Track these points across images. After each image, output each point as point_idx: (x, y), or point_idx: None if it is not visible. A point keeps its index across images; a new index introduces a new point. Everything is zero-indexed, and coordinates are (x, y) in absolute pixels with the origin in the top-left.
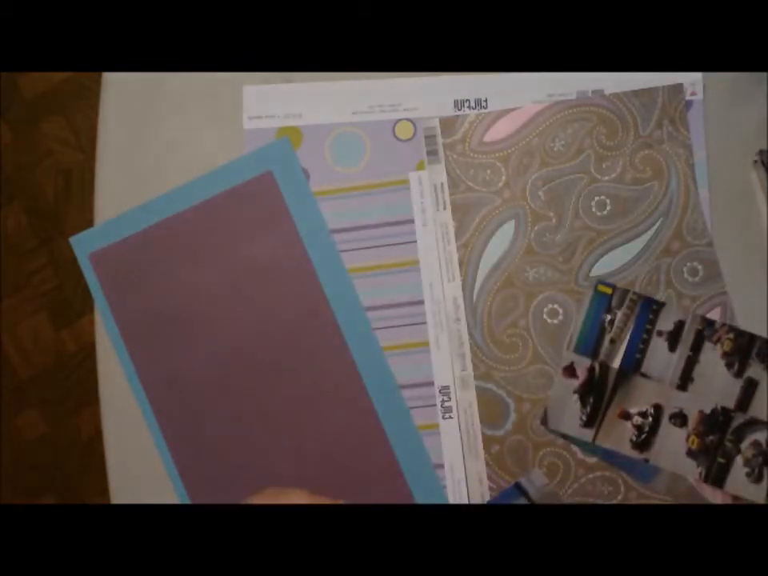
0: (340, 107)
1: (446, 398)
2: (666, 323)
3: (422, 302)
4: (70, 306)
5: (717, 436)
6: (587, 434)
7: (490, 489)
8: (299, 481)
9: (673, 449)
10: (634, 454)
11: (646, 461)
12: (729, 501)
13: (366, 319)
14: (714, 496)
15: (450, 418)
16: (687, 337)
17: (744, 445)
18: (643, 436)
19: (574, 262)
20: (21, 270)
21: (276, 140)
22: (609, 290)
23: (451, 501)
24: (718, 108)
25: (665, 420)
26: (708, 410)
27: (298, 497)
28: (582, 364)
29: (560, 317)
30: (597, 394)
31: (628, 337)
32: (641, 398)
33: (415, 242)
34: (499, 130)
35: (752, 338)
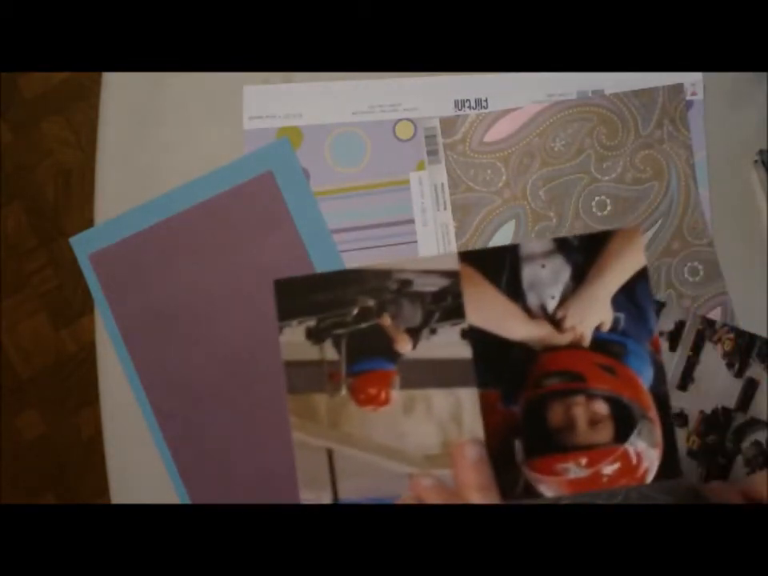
0: (340, 107)
1: None
2: (666, 323)
3: None
4: (70, 306)
5: (717, 436)
6: None
7: None
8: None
9: None
10: None
11: None
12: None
13: None
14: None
15: None
16: (687, 337)
17: (744, 445)
18: None
19: None
20: (21, 269)
21: (276, 140)
22: None
23: None
24: (718, 108)
25: None
26: (708, 410)
27: None
28: None
29: None
30: None
31: None
32: None
33: (415, 242)
34: (499, 130)
35: (752, 337)
